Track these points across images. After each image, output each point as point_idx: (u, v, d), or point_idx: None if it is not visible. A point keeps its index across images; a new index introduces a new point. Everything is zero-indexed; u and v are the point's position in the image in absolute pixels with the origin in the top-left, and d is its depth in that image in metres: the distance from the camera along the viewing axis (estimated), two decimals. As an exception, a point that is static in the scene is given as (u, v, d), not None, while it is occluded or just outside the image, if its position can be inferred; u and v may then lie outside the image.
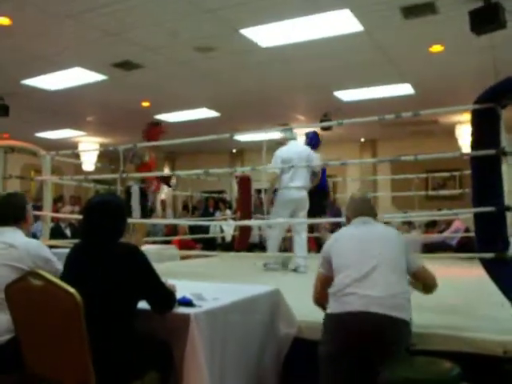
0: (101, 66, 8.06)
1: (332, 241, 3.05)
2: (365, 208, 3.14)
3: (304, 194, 6.51)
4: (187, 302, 2.70)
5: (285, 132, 6.68)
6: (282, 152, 6.49)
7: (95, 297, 2.35)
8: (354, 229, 3.05)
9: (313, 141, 7.24)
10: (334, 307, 2.76)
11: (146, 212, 6.61)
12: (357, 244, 2.90)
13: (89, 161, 13.80)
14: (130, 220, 7.20)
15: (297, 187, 6.42)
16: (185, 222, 10.41)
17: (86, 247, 2.64)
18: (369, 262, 2.76)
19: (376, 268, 2.73)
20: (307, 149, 6.77)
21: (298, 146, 6.71)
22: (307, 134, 7.23)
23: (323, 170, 6.98)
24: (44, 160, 6.20)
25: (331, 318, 2.77)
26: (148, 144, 6.69)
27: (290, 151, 6.49)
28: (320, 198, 7.27)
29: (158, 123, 7.04)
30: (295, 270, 6.33)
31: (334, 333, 2.74)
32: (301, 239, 6.49)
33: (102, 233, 2.59)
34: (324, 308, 2.97)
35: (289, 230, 6.92)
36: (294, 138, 6.71)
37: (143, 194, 6.64)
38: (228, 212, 12.33)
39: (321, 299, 3.08)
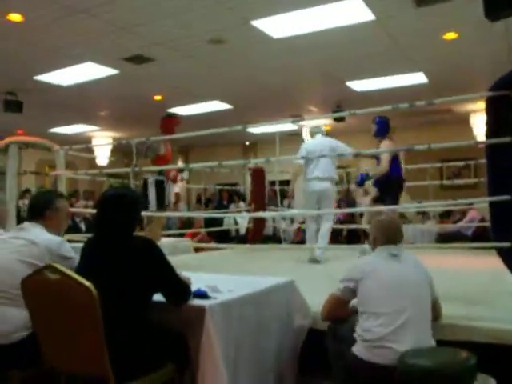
0: (112, 60, 8.07)
1: (360, 273, 2.87)
2: (394, 235, 3.00)
3: (326, 184, 6.54)
4: (202, 294, 2.71)
5: (313, 125, 6.80)
6: (307, 144, 6.72)
7: (110, 290, 2.36)
8: (385, 264, 2.86)
9: (381, 126, 6.74)
10: (363, 353, 2.66)
11: (164, 205, 6.64)
12: (389, 289, 2.73)
13: (102, 155, 13.86)
14: (145, 213, 7.27)
15: (318, 178, 6.48)
16: (199, 215, 10.42)
17: (100, 241, 2.65)
18: (402, 312, 2.64)
19: (409, 320, 2.62)
20: (333, 141, 6.76)
21: (322, 139, 6.78)
22: (374, 120, 6.74)
23: (395, 157, 6.48)
24: (58, 155, 6.24)
25: (360, 363, 2.67)
26: (160, 138, 6.70)
27: (314, 143, 6.70)
28: (392, 186, 6.53)
29: (174, 115, 7.03)
30: (312, 261, 6.34)
31: (360, 377, 2.69)
32: (323, 229, 6.54)
33: (116, 226, 2.60)
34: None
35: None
36: (320, 132, 6.82)
37: (161, 187, 6.66)
38: (242, 204, 12.34)
39: (329, 319, 3.07)
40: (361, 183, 6.95)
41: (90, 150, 13.67)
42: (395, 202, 6.29)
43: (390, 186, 6.39)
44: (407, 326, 2.60)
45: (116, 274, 2.46)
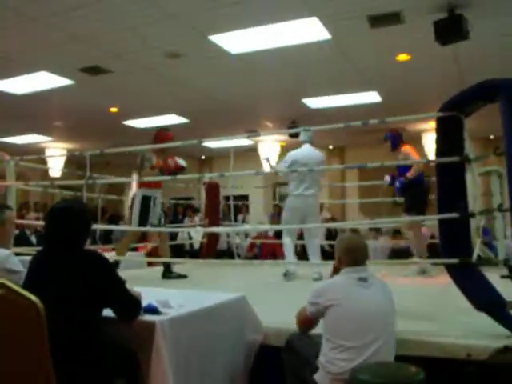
0: (68, 70, 7.96)
1: (328, 300, 2.77)
2: (361, 255, 2.93)
3: (311, 201, 6.27)
4: (153, 310, 2.67)
5: (304, 133, 6.39)
6: (295, 155, 6.27)
7: (58, 305, 2.30)
8: (354, 291, 2.78)
9: (393, 140, 6.69)
10: None
11: (145, 222, 6.38)
12: (358, 322, 2.66)
13: (55, 166, 13.60)
14: (99, 226, 7.14)
15: (305, 195, 6.22)
16: (153, 229, 10.28)
17: (48, 254, 2.59)
18: (369, 345, 2.60)
19: (376, 352, 2.59)
20: (320, 153, 6.53)
21: (311, 150, 6.39)
22: (385, 137, 6.74)
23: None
24: (8, 165, 6.08)
25: None
26: (115, 150, 6.57)
27: (303, 155, 6.27)
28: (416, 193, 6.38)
29: (167, 129, 6.88)
30: (287, 276, 6.21)
31: None
32: (313, 246, 6.34)
33: (63, 239, 2.54)
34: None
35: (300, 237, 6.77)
36: (310, 141, 6.44)
37: (147, 204, 6.41)
38: (196, 219, 12.28)
39: (304, 331, 3.04)
40: (400, 189, 6.47)
41: (43, 161, 13.40)
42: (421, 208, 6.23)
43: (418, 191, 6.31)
44: (374, 358, 2.58)
45: (64, 288, 2.40)
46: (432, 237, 8.71)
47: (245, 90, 9.22)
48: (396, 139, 6.63)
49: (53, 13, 5.89)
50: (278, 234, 9.27)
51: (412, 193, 6.28)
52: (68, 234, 2.54)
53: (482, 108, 3.44)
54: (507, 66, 6.67)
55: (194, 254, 10.54)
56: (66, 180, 9.03)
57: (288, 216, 6.36)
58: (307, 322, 2.95)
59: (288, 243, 6.37)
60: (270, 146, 12.79)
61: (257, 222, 12.28)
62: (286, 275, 6.20)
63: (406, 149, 6.45)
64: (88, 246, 5.63)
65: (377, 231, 10.82)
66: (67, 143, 14.06)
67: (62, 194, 9.81)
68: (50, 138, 13.39)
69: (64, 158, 14.18)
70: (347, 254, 2.94)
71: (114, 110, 10.54)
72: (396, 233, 10.42)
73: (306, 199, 6.23)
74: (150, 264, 8.04)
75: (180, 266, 8.04)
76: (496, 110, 3.07)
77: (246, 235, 10.97)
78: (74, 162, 13.87)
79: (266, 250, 9.85)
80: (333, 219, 11.53)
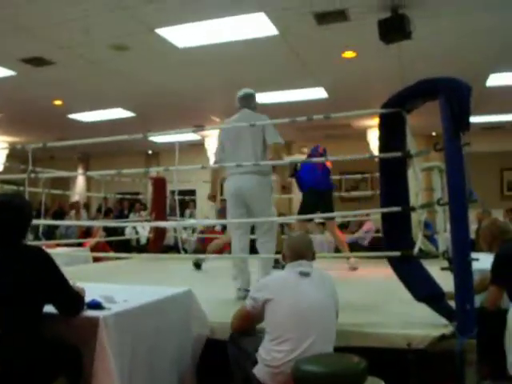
0: (8, 60, 7.70)
1: (269, 293, 2.82)
2: (304, 250, 3.01)
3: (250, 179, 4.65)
4: (96, 305, 2.64)
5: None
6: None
7: (-3, 300, 2.26)
8: (295, 284, 2.84)
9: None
10: (265, 379, 2.68)
11: None
12: (296, 314, 2.72)
13: (-4, 160, 13.18)
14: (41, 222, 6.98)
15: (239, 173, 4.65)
16: (99, 224, 10.14)
17: (-13, 248, 2.52)
18: (306, 337, 2.66)
19: (313, 344, 2.65)
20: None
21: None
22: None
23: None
24: None
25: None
26: (58, 144, 6.43)
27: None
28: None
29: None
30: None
31: None
32: (262, 248, 4.74)
33: (2, 233, 2.48)
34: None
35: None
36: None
37: None
38: (143, 214, 12.15)
39: (238, 331, 3.06)
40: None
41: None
42: None
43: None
44: (311, 350, 2.63)
45: (3, 283, 2.35)
46: (377, 231, 8.91)
47: (192, 85, 9.16)
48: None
49: (-7, 1, 5.71)
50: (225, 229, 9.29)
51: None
52: (6, 228, 2.48)
53: (423, 105, 3.54)
54: (448, 65, 6.85)
55: (140, 249, 10.42)
56: (8, 174, 8.74)
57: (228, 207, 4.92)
58: (248, 317, 2.99)
59: (232, 239, 4.89)
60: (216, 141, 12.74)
61: (204, 218, 12.26)
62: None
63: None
64: (31, 242, 5.52)
65: (323, 225, 10.96)
66: (9, 136, 13.61)
67: (3, 188, 9.53)
68: (-10, 131, 12.96)
69: (6, 152, 13.74)
70: (290, 249, 3.03)
71: (58, 102, 10.28)
72: (342, 227, 10.61)
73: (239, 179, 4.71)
74: (96, 259, 7.93)
75: (126, 261, 7.98)
76: (438, 108, 3.17)
77: (193, 230, 10.93)
78: (17, 157, 13.47)
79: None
80: (281, 214, 11.61)
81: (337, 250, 9.45)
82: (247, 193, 4.61)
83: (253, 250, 4.98)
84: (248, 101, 5.29)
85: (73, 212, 12.33)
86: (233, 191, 4.68)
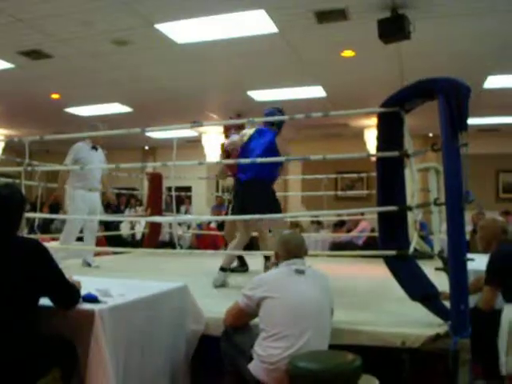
0: (6, 52, 7.67)
1: (265, 291, 2.85)
2: (298, 249, 3.02)
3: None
4: (92, 298, 2.64)
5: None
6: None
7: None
8: (290, 282, 2.86)
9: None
10: (261, 375, 2.69)
11: None
12: (292, 311, 2.74)
13: (-8, 153, 13.15)
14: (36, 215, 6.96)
15: None
16: (96, 218, 10.11)
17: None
18: (302, 334, 2.68)
19: (309, 341, 2.67)
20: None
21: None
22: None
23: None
24: None
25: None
26: (55, 137, 6.42)
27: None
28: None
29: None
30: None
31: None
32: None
33: None
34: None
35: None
36: None
37: None
38: (139, 209, 12.14)
39: (231, 326, 3.05)
40: None
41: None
42: None
43: None
44: (306, 347, 2.65)
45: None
46: (372, 230, 8.94)
47: (190, 81, 9.14)
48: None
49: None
50: (220, 226, 9.31)
51: None
52: (1, 220, 2.47)
53: (421, 105, 3.55)
54: (446, 66, 6.87)
55: (135, 244, 10.42)
56: (4, 167, 8.70)
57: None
58: (241, 314, 2.99)
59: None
60: (213, 138, 12.78)
61: (199, 214, 12.26)
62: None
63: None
64: (26, 235, 5.51)
65: (318, 224, 11.00)
66: (6, 129, 13.60)
67: (0, 181, 9.51)
68: (-14, 124, 12.92)
69: (2, 145, 13.72)
70: (283, 247, 3.04)
71: (55, 96, 10.25)
72: (337, 226, 10.65)
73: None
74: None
75: (122, 255, 7.98)
76: (435, 109, 3.17)
77: (189, 226, 10.93)
78: (13, 150, 13.44)
79: (208, 241, 9.85)
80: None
81: (332, 249, 9.51)
82: None
83: (252, 247, 5.04)
84: None
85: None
86: None
